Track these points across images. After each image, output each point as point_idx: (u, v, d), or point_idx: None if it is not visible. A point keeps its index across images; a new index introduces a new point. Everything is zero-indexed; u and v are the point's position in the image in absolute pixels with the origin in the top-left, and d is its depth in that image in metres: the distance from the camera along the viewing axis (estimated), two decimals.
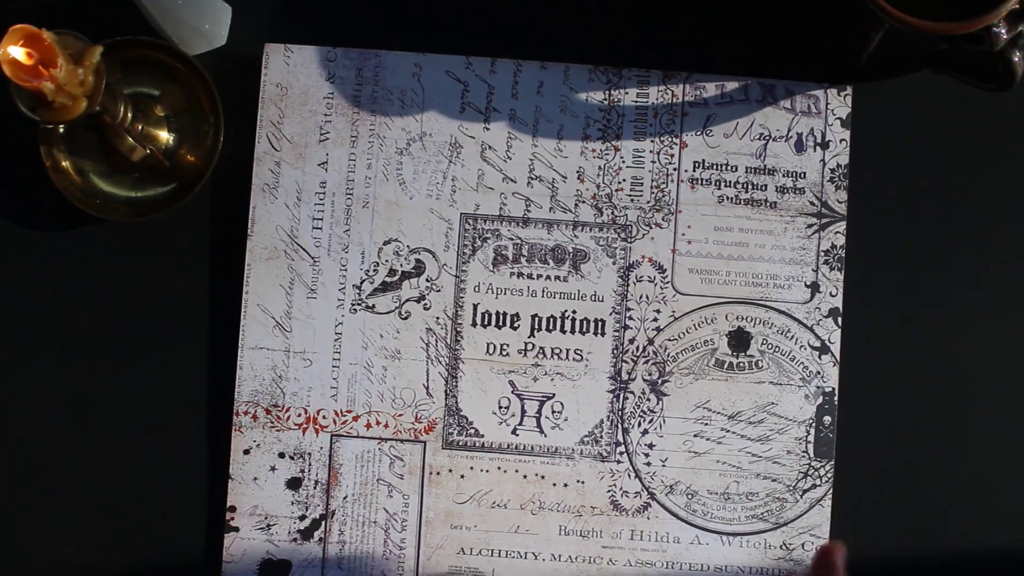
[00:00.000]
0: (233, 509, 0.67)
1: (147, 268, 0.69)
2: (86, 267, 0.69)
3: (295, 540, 0.67)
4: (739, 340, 0.68)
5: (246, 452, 0.67)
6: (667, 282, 0.68)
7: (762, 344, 0.67)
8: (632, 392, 0.67)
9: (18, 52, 0.56)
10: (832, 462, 0.67)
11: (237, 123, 0.69)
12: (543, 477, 0.67)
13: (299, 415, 0.67)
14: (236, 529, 0.67)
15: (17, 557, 0.68)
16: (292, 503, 0.67)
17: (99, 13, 0.69)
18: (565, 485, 0.67)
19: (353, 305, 0.68)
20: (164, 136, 0.68)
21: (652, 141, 0.68)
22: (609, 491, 0.67)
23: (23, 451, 0.69)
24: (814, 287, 0.68)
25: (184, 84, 0.69)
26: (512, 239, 0.68)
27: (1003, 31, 0.58)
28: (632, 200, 0.68)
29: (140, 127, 0.66)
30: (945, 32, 0.59)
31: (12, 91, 0.58)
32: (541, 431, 0.67)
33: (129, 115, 0.65)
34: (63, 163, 0.68)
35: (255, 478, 0.67)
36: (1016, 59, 0.59)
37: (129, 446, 0.69)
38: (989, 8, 0.58)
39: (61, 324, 0.69)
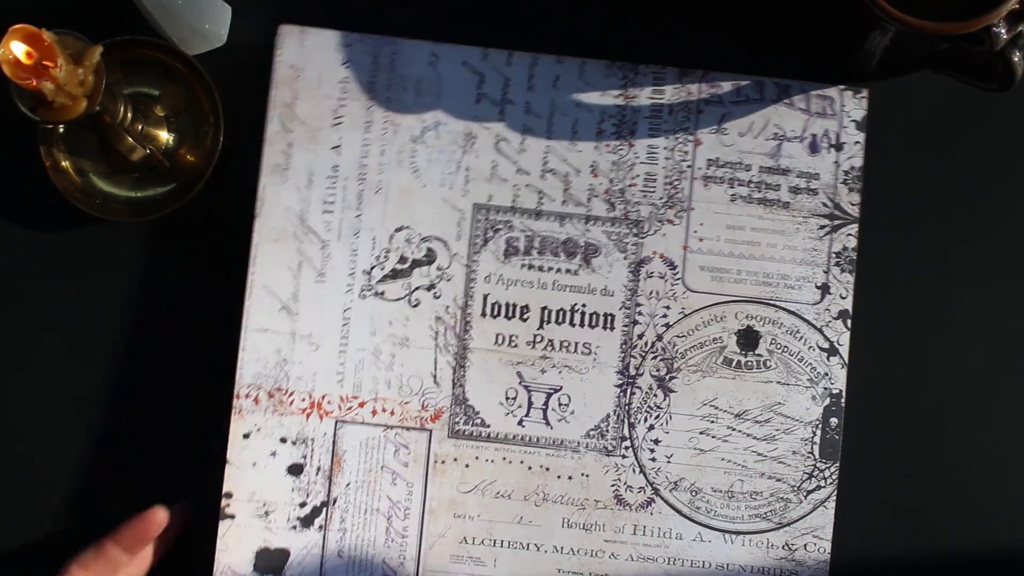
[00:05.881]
0: (229, 495, 0.66)
1: (147, 268, 0.69)
2: (86, 267, 0.69)
3: (294, 528, 0.66)
4: (748, 339, 0.68)
5: (246, 436, 0.66)
6: (678, 279, 0.68)
7: (771, 344, 0.68)
8: (639, 387, 0.67)
9: (18, 52, 0.56)
10: (837, 464, 0.67)
11: (237, 123, 0.68)
12: (548, 469, 0.67)
13: (303, 400, 0.67)
14: (232, 516, 0.66)
15: (10, 539, 0.68)
16: (293, 489, 0.66)
17: (99, 13, 0.69)
18: (569, 478, 0.67)
19: (363, 291, 0.67)
20: (164, 136, 0.68)
21: (666, 138, 0.69)
22: (613, 485, 0.67)
23: (21, 449, 0.68)
24: (824, 288, 0.68)
25: (184, 84, 0.68)
26: (524, 231, 0.68)
27: (1003, 31, 0.59)
28: (645, 196, 0.68)
29: (140, 127, 0.66)
30: (945, 32, 0.59)
31: (12, 91, 0.58)
32: (547, 423, 0.67)
33: (129, 115, 0.64)
34: (63, 163, 0.68)
35: (254, 463, 0.66)
36: (1016, 59, 0.60)
37: (124, 435, 0.68)
38: (989, 8, 0.58)
39: (60, 324, 0.69)
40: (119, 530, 0.63)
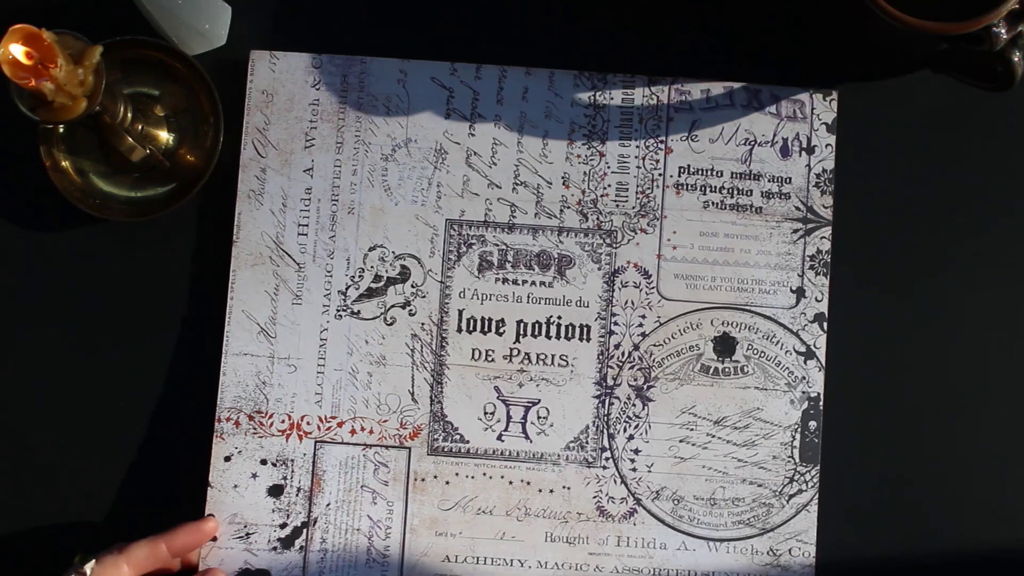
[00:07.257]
0: (211, 517, 0.66)
1: (146, 269, 0.69)
2: (85, 267, 0.69)
3: (275, 549, 0.66)
4: (724, 345, 0.67)
5: (227, 459, 0.67)
6: (652, 287, 0.68)
7: (747, 349, 0.67)
8: (618, 398, 0.67)
9: (18, 52, 0.56)
10: (818, 467, 0.67)
11: (236, 123, 0.68)
12: (529, 483, 0.67)
13: (283, 421, 0.67)
14: (213, 539, 0.66)
15: None
16: (273, 511, 0.67)
17: (99, 13, 0.69)
18: (551, 491, 0.67)
19: (338, 311, 0.68)
20: (164, 136, 0.68)
21: (637, 146, 0.68)
22: (595, 497, 0.67)
23: (16, 449, 0.68)
24: (799, 292, 0.68)
25: (184, 84, 0.69)
26: (497, 245, 0.68)
27: (1003, 31, 0.58)
28: (617, 205, 0.68)
29: (140, 127, 0.66)
30: (945, 32, 0.59)
31: (12, 91, 0.58)
32: (527, 437, 0.67)
33: (129, 115, 0.65)
34: (63, 163, 0.68)
35: (235, 485, 0.67)
36: (1016, 59, 0.59)
37: (112, 449, 0.68)
38: (989, 8, 0.58)
39: (59, 323, 0.69)
40: (175, 532, 0.64)
